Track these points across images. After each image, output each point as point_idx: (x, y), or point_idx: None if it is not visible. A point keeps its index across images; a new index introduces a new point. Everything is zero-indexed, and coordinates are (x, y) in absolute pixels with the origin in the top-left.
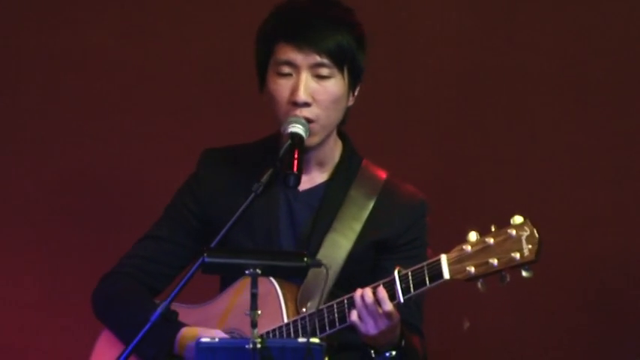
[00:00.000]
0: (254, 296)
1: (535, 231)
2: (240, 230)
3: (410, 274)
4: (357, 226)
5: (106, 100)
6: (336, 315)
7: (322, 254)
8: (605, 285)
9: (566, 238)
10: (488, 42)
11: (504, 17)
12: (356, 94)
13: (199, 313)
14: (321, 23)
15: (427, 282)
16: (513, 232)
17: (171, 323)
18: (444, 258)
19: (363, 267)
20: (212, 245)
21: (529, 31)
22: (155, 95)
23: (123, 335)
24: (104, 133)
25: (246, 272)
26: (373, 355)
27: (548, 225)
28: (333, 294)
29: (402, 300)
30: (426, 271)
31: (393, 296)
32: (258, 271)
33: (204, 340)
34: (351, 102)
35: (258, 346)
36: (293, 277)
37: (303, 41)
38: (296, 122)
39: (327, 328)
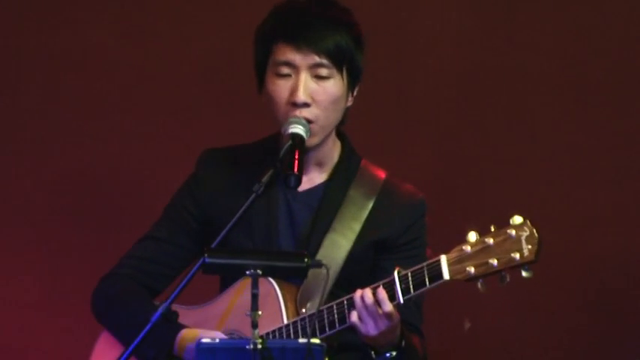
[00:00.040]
0: (255, 297)
1: (535, 231)
2: (240, 230)
3: (410, 274)
4: (357, 226)
5: (106, 100)
6: (335, 316)
7: (322, 254)
8: (605, 285)
9: (566, 238)
10: (488, 42)
11: (504, 17)
12: (354, 94)
13: (199, 314)
14: (320, 23)
15: (427, 282)
16: (513, 232)
17: (171, 324)
18: (443, 258)
19: (363, 267)
20: (213, 246)
21: (529, 31)
22: (155, 95)
23: (122, 336)
24: (104, 133)
25: (247, 273)
26: (373, 356)
27: (548, 225)
28: (332, 294)
29: (401, 301)
30: (425, 272)
31: (392, 297)
32: (259, 271)
33: (204, 340)
34: (349, 102)
35: (259, 346)
36: (293, 278)
37: (302, 42)
38: (297, 123)
39: (327, 329)
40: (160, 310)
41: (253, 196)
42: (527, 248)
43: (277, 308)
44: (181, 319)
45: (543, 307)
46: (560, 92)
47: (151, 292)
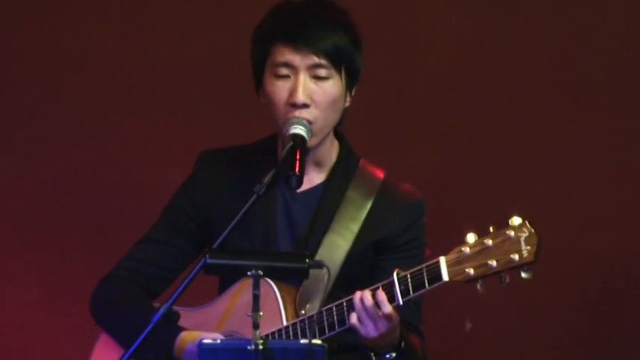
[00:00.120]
0: (256, 297)
1: (534, 232)
2: (238, 231)
3: (409, 276)
4: (355, 227)
5: (106, 100)
6: (335, 317)
7: (320, 255)
8: (605, 285)
9: (567, 238)
10: (489, 42)
11: (504, 17)
12: (353, 94)
13: (198, 316)
14: (318, 24)
15: (426, 284)
16: (512, 233)
17: (170, 327)
18: (442, 260)
19: (362, 267)
20: (214, 246)
21: (529, 31)
22: (155, 95)
23: (121, 339)
24: (104, 133)
25: (248, 273)
26: (373, 358)
27: (548, 225)
28: (331, 295)
29: (401, 302)
30: (425, 273)
31: (392, 298)
32: (260, 272)
33: (206, 341)
34: (348, 103)
35: (260, 347)
36: (294, 279)
37: (301, 42)
38: (298, 124)
39: (327, 331)
40: (162, 310)
41: (255, 196)
42: (526, 249)
43: (276, 310)
44: (181, 321)
45: (544, 308)
46: (561, 92)
47: (149, 294)
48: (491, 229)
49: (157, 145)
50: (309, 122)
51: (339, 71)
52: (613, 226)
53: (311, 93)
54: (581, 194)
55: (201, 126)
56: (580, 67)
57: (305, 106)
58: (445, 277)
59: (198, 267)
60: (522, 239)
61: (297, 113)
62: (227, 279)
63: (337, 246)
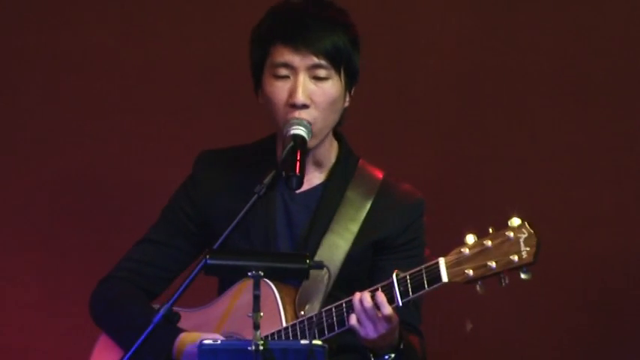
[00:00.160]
0: (257, 298)
1: (533, 233)
2: (237, 232)
3: (408, 277)
4: (355, 227)
5: (106, 100)
6: (334, 318)
7: (320, 256)
8: (605, 285)
9: (567, 238)
10: (489, 42)
11: (504, 17)
12: (352, 95)
13: (197, 317)
14: (317, 24)
15: (426, 285)
16: (511, 234)
17: (169, 328)
18: (442, 261)
19: (362, 268)
20: (215, 247)
21: (529, 31)
22: (155, 95)
23: (120, 340)
24: (104, 133)
25: (249, 274)
26: (372, 359)
27: (548, 225)
28: (331, 295)
29: (400, 303)
30: (424, 275)
31: (391, 299)
32: (261, 272)
33: (206, 341)
34: (347, 103)
35: (261, 347)
36: (294, 279)
37: (301, 43)
38: (298, 124)
39: (326, 332)
40: (162, 311)
41: (255, 197)
42: (525, 250)
43: (276, 311)
44: (180, 322)
45: (544, 308)
46: (561, 92)
47: (148, 295)
48: (490, 230)
49: (157, 145)
50: (309, 123)
51: (338, 71)
52: (613, 226)
53: (310, 93)
54: (581, 194)
55: (201, 126)
56: (580, 67)
57: (305, 106)
58: (444, 278)
59: (198, 267)
60: (521, 240)
61: (297, 114)
62: (227, 280)
63: (336, 246)
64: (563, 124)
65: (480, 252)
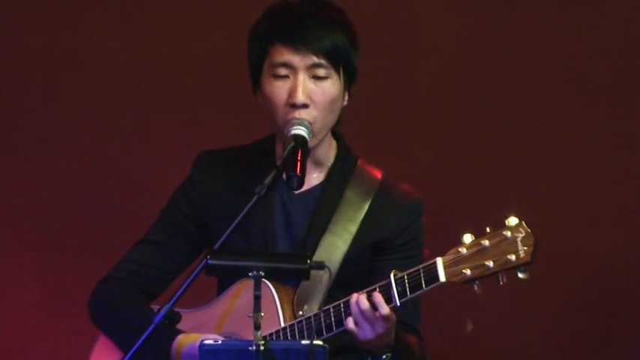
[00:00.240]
0: (257, 298)
1: (530, 232)
2: (236, 232)
3: (406, 277)
4: (353, 228)
5: (106, 100)
6: (333, 319)
7: (318, 256)
8: (605, 285)
9: (567, 238)
10: (489, 42)
11: (504, 18)
12: (351, 94)
13: (197, 317)
14: (316, 24)
15: (423, 285)
16: (508, 233)
17: (168, 329)
18: (439, 261)
19: (360, 268)
20: (215, 247)
21: (529, 31)
22: (155, 95)
23: (119, 341)
24: (104, 133)
25: (250, 274)
26: None
27: (548, 225)
28: (329, 296)
29: (398, 303)
30: (422, 275)
31: (389, 299)
32: (262, 273)
33: (207, 341)
34: (345, 102)
35: (262, 348)
36: (295, 280)
37: (300, 42)
38: (299, 124)
39: (325, 332)
40: (163, 311)
41: (256, 197)
42: (522, 250)
43: (274, 311)
44: (180, 322)
45: (544, 308)
46: (561, 92)
47: (148, 296)
48: (487, 230)
49: (157, 145)
50: (309, 123)
51: (337, 71)
52: (613, 227)
53: (310, 93)
54: (581, 194)
55: (201, 126)
56: (580, 67)
57: (304, 106)
58: (442, 278)
59: (199, 268)
60: (519, 240)
61: (297, 114)
62: (226, 280)
63: (335, 247)
64: (564, 124)
65: (478, 252)
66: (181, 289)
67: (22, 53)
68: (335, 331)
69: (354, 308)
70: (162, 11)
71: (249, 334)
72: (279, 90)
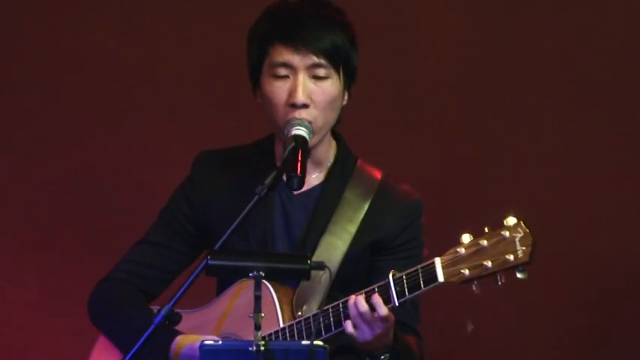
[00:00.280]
0: (258, 299)
1: (529, 232)
2: (236, 233)
3: (404, 277)
4: (353, 228)
5: (106, 100)
6: (331, 319)
7: (317, 256)
8: (606, 285)
9: (567, 238)
10: (489, 42)
11: (504, 17)
12: (351, 93)
13: (195, 318)
14: (316, 24)
15: (422, 285)
16: (507, 233)
17: (167, 330)
18: (437, 261)
19: (360, 268)
20: (216, 248)
21: (529, 31)
22: (155, 95)
23: (118, 341)
24: (104, 133)
25: (250, 275)
26: None
27: (548, 225)
28: (329, 296)
29: (397, 303)
30: (420, 275)
31: (387, 300)
32: (262, 273)
33: (207, 342)
34: (345, 101)
35: (262, 348)
36: (295, 280)
37: (300, 42)
38: (299, 125)
39: (323, 333)
40: (163, 311)
41: (256, 198)
42: (521, 250)
43: (273, 311)
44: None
45: (544, 308)
46: (561, 92)
47: (147, 296)
48: (486, 230)
49: (157, 145)
50: (309, 122)
51: (337, 70)
52: (613, 227)
53: (310, 93)
54: (581, 194)
55: (201, 126)
56: (580, 67)
57: (305, 106)
58: (440, 278)
59: (199, 268)
60: (517, 240)
61: (297, 114)
62: (225, 280)
63: (334, 247)
64: (564, 124)
65: (476, 252)
66: (182, 290)
67: (22, 53)
68: (334, 331)
69: (352, 310)
70: (162, 11)
71: (248, 335)
72: (279, 90)
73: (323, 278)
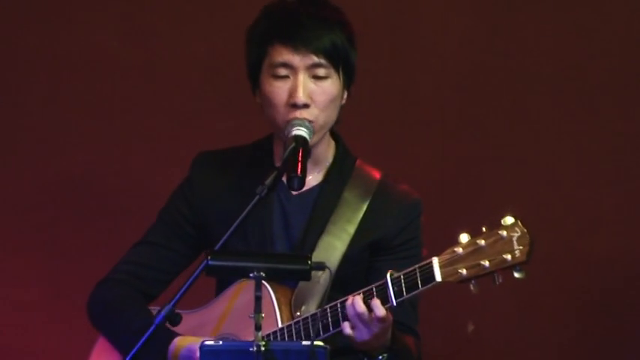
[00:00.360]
0: (258, 299)
1: (526, 232)
2: (235, 233)
3: (402, 277)
4: (351, 228)
5: (106, 100)
6: (330, 319)
7: (316, 257)
8: (606, 286)
9: (568, 239)
10: (490, 43)
11: (505, 18)
12: (351, 92)
13: (195, 319)
14: (315, 23)
15: (419, 285)
16: (504, 233)
17: (165, 332)
18: (435, 261)
19: (358, 269)
20: (216, 248)
21: (530, 31)
22: (155, 95)
23: (117, 343)
24: (105, 133)
25: (251, 275)
26: None
27: (549, 226)
28: (328, 296)
29: (394, 303)
30: (418, 274)
31: (385, 299)
32: (262, 273)
33: (208, 342)
34: (344, 101)
35: (262, 348)
36: (295, 280)
37: (300, 42)
38: (300, 125)
39: (322, 333)
40: (164, 312)
41: (257, 198)
42: (518, 249)
43: (272, 312)
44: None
45: (545, 309)
46: (562, 93)
47: (146, 297)
48: (483, 229)
49: (157, 145)
50: (310, 122)
51: (337, 70)
52: (614, 227)
53: (310, 93)
54: (582, 195)
55: (201, 126)
56: (581, 68)
57: (305, 106)
58: (438, 277)
59: (200, 269)
60: (515, 239)
61: (298, 114)
62: (225, 280)
63: (333, 248)
64: (565, 124)
65: (474, 251)
66: (182, 290)
67: (22, 53)
68: (332, 331)
69: (350, 311)
70: (162, 11)
71: (248, 335)
72: (279, 90)
73: (322, 279)
